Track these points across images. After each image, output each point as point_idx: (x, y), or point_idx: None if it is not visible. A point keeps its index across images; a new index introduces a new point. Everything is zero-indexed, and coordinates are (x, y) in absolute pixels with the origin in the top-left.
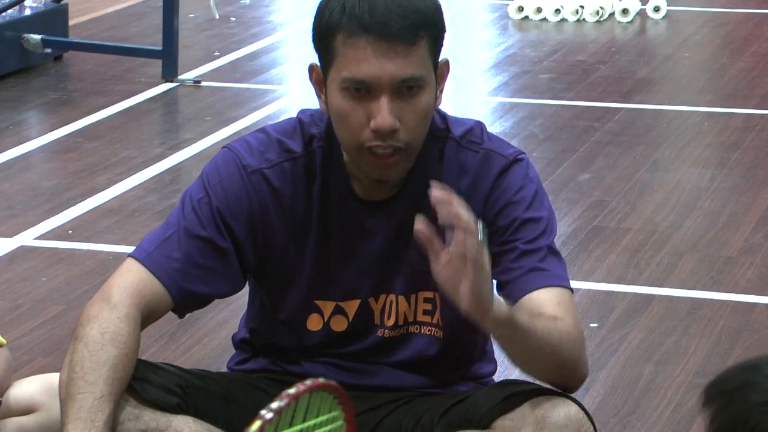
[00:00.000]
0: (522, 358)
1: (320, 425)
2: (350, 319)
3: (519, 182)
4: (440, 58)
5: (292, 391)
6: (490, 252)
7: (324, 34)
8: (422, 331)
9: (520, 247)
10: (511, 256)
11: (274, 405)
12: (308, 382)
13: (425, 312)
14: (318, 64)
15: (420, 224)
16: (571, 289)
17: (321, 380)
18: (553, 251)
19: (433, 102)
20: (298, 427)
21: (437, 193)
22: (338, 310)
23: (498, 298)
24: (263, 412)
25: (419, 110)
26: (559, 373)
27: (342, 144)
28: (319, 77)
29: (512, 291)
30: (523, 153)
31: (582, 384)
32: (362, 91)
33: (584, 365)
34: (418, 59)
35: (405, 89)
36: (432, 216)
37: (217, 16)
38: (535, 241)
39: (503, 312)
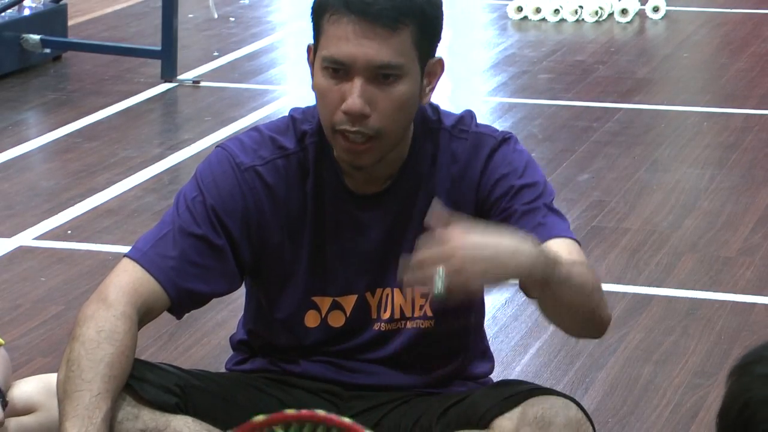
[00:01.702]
0: (561, 308)
1: None
2: (348, 315)
3: (509, 156)
4: (435, 56)
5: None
6: (493, 223)
7: (316, 13)
8: (414, 324)
9: (519, 209)
10: (512, 219)
11: None
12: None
13: (421, 306)
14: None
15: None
16: (579, 242)
17: (347, 420)
18: (553, 210)
19: (413, 95)
20: None
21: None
22: (335, 306)
23: (536, 252)
24: None
25: (393, 99)
26: (593, 318)
27: (322, 126)
28: (312, 57)
29: None
30: (511, 133)
31: (607, 329)
32: (340, 72)
33: (607, 308)
34: (398, 47)
35: (381, 76)
36: (425, 208)
37: (216, 16)
38: (534, 203)
39: (547, 261)
